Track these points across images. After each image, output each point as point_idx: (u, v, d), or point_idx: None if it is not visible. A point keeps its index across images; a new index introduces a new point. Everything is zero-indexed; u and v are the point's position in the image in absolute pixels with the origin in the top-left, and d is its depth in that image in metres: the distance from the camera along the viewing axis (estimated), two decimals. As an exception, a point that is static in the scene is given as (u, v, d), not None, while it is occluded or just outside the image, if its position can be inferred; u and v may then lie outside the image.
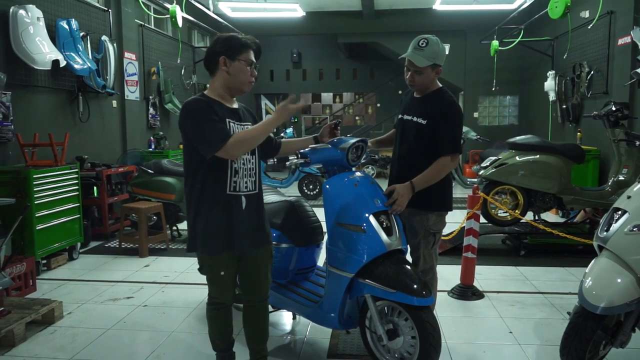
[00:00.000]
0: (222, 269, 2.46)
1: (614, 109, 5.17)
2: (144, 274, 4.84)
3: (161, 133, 8.02)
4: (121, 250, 5.59)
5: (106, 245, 5.90)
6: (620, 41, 6.66)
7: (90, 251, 5.66)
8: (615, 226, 2.46)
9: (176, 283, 4.54)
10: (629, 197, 2.53)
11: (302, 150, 2.69)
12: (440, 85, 2.88)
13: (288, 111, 2.33)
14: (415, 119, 2.84)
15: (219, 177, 2.37)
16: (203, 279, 2.65)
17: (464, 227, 4.29)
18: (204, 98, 2.39)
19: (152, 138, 7.97)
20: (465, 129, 8.67)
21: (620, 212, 2.49)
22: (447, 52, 11.47)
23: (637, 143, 3.90)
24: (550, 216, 7.13)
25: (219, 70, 2.40)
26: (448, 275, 4.52)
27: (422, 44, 2.74)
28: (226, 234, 2.39)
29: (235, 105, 2.50)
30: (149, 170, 6.05)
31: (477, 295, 4.12)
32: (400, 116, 3.01)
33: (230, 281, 2.51)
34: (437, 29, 11.21)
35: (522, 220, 5.34)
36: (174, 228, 6.33)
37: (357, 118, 16.10)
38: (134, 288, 4.39)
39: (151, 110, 8.27)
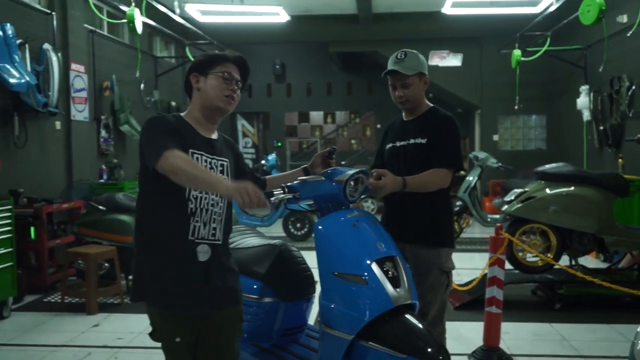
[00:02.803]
0: (178, 334, 2.41)
1: (661, 131, 5.28)
2: (92, 335, 4.75)
3: (115, 161, 7.98)
4: (64, 306, 5.50)
5: (45, 300, 5.81)
6: (666, 51, 6.84)
7: (25, 307, 5.56)
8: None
9: (132, 347, 4.46)
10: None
11: (289, 184, 2.69)
12: (431, 104, 3.10)
13: (243, 194, 2.12)
14: (412, 141, 3.02)
15: (179, 217, 2.35)
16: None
17: (485, 275, 4.29)
18: (172, 118, 2.43)
19: (104, 167, 7.94)
20: (483, 154, 8.77)
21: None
22: (459, 63, 11.68)
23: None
24: (590, 260, 7.16)
25: (193, 91, 2.49)
26: (468, 334, 4.50)
27: (400, 56, 3.01)
28: (181, 289, 2.35)
29: (214, 136, 2.52)
30: (100, 207, 6.00)
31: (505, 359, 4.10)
32: (389, 145, 3.15)
33: (189, 350, 2.46)
34: (447, 36, 11.46)
35: (555, 266, 5.36)
36: (131, 278, 6.24)
37: (352, 141, 16.23)
38: (79, 354, 4.30)
39: (103, 133, 8.27)
